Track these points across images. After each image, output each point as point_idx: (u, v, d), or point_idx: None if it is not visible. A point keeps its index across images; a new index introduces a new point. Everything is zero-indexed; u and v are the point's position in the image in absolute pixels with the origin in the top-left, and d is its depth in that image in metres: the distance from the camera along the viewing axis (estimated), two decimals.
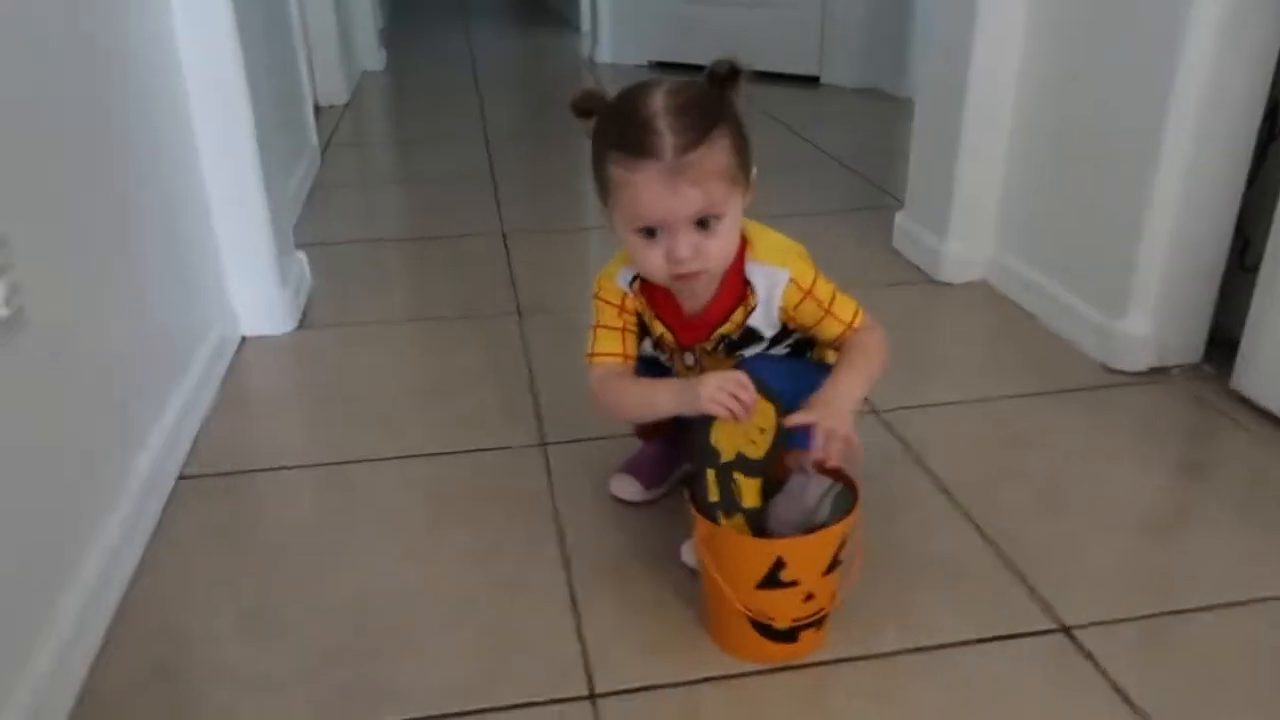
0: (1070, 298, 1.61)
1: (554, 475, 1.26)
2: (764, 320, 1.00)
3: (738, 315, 1.00)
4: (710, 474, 0.93)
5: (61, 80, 1.07)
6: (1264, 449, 1.31)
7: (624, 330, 1.04)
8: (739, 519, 0.94)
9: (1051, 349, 1.59)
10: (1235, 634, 0.99)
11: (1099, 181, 1.54)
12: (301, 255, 1.82)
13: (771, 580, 0.90)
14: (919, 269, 1.91)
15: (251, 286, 1.63)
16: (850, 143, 2.85)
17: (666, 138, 0.86)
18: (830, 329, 1.00)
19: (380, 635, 1.00)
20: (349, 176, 2.68)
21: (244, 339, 1.64)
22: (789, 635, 0.94)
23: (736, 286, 0.99)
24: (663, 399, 0.97)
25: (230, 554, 1.12)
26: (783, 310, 0.99)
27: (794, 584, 0.90)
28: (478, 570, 1.09)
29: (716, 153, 0.88)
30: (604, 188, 0.93)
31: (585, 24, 4.62)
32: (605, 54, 4.09)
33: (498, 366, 1.55)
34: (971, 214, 1.82)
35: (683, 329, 1.03)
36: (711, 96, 0.91)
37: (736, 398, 0.89)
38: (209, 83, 1.49)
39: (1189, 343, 1.51)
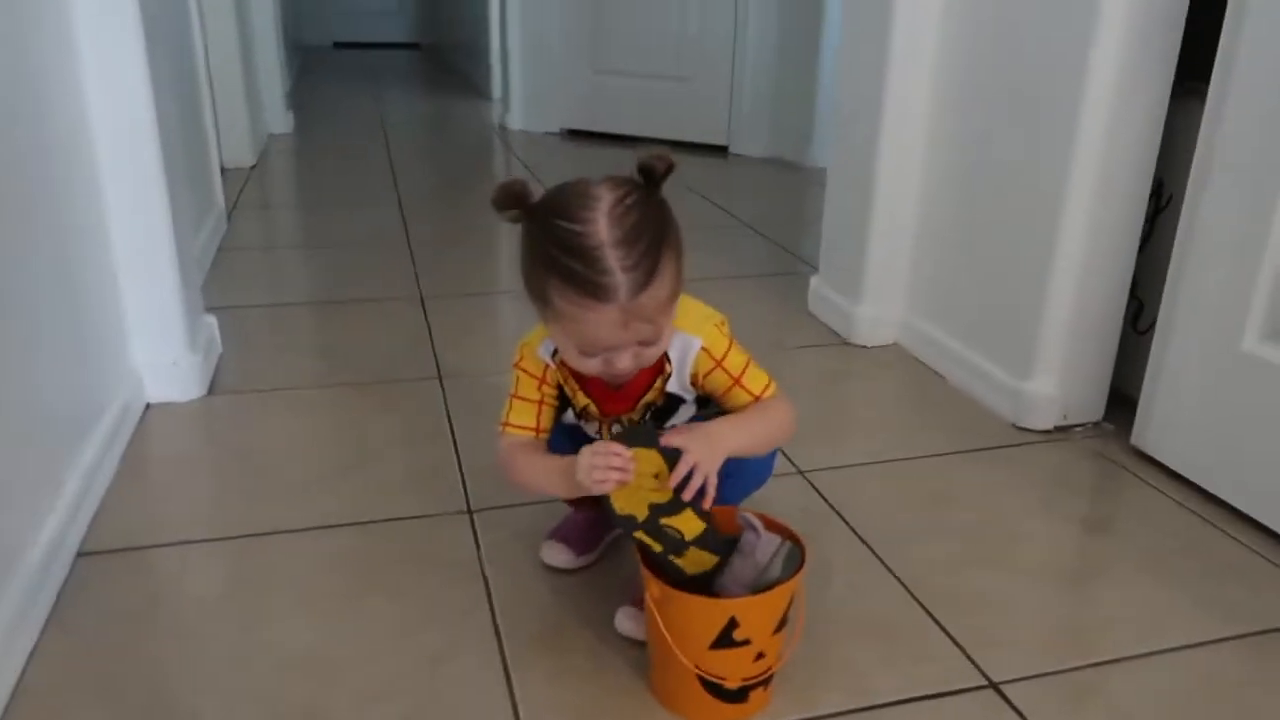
0: (979, 359, 1.68)
1: (482, 543, 1.23)
2: (679, 387, 1.00)
3: (659, 383, 1.00)
4: (639, 536, 0.93)
5: None
6: (1164, 503, 1.37)
7: (540, 403, 1.03)
8: (692, 551, 0.93)
9: (963, 409, 1.65)
10: (1150, 684, 1.02)
11: (1004, 249, 1.62)
12: (211, 319, 1.76)
13: (724, 640, 0.89)
14: (833, 332, 1.96)
15: (158, 351, 1.56)
16: (761, 210, 2.93)
17: (619, 278, 0.83)
18: (738, 399, 0.99)
19: (299, 716, 0.95)
20: (257, 239, 2.62)
21: (149, 406, 1.57)
22: (739, 695, 0.93)
23: (658, 362, 0.99)
24: (554, 483, 0.97)
25: (132, 637, 1.06)
26: (693, 376, 0.99)
27: (746, 643, 0.90)
28: (404, 643, 1.05)
29: (665, 280, 0.86)
30: (544, 305, 0.89)
31: (497, 91, 4.67)
32: (517, 121, 4.13)
33: (419, 432, 1.52)
34: (883, 278, 1.88)
35: (606, 400, 1.02)
36: (651, 207, 0.87)
37: (612, 465, 0.88)
38: (119, 140, 1.45)
39: (1091, 402, 1.58)
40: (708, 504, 0.91)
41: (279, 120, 3.94)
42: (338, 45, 7.33)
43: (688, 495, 0.90)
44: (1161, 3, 1.38)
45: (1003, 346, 1.63)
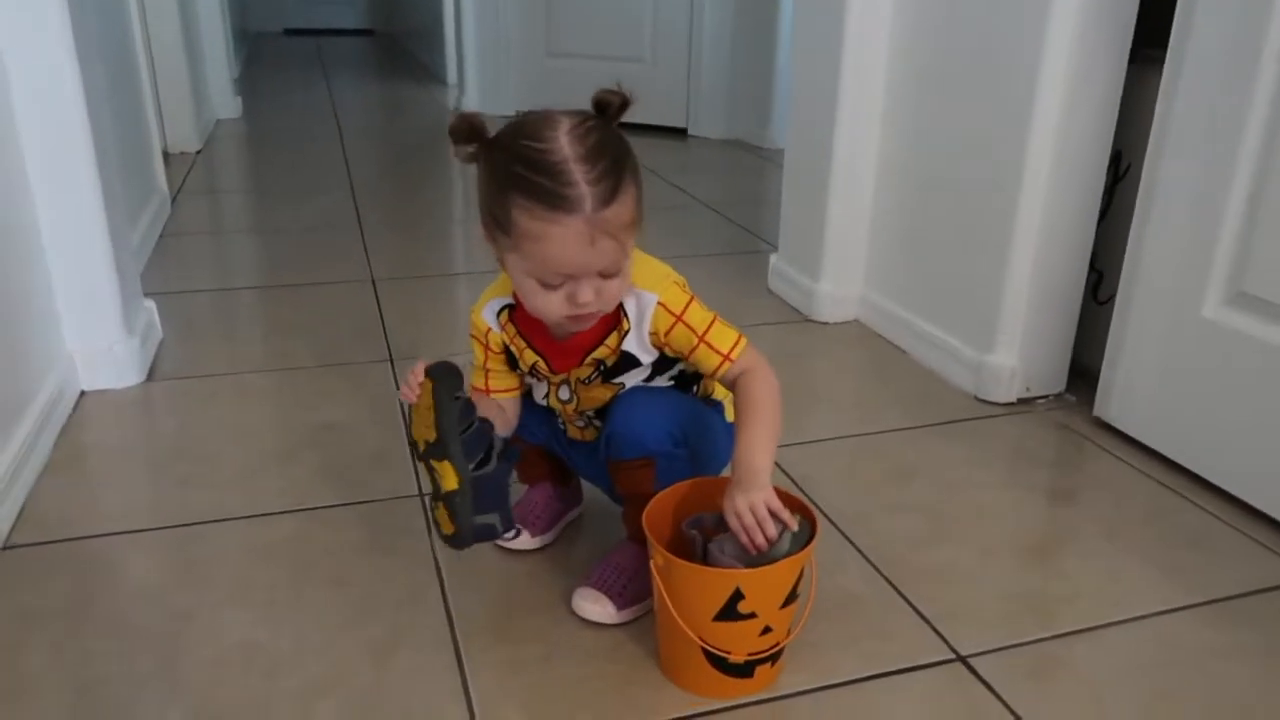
0: (940, 334, 1.66)
1: (433, 527, 1.19)
2: (638, 345, 0.96)
3: (611, 340, 0.96)
4: (422, 467, 0.93)
5: None
6: (1127, 472, 1.36)
7: (485, 367, 1.04)
8: (440, 507, 0.91)
9: (925, 383, 1.63)
10: (1115, 654, 1.00)
11: (962, 222, 1.60)
12: (150, 304, 1.69)
13: (729, 612, 0.86)
14: (794, 309, 1.93)
15: (92, 336, 1.50)
16: (720, 191, 2.89)
17: (584, 189, 0.82)
18: (707, 359, 0.95)
19: (237, 712, 0.90)
20: (202, 224, 2.54)
21: (83, 393, 1.50)
22: (745, 670, 0.90)
23: (612, 315, 0.96)
24: None
25: (60, 633, 1.00)
26: (653, 335, 0.95)
27: (752, 616, 0.87)
28: (349, 633, 1.00)
29: (628, 200, 0.86)
30: (505, 231, 0.86)
31: (452, 76, 4.59)
32: (473, 105, 4.06)
33: (369, 416, 1.47)
34: (842, 255, 1.85)
35: (555, 355, 0.99)
36: (612, 135, 0.87)
37: (407, 380, 0.92)
38: (44, 118, 1.38)
39: (1053, 374, 1.56)
40: (764, 544, 0.88)
41: (227, 105, 3.84)
42: (289, 32, 7.18)
43: (759, 540, 0.87)
44: None
45: (963, 320, 1.61)
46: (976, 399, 1.56)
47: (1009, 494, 1.31)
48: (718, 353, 0.95)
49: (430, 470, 0.92)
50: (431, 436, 0.90)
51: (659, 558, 0.88)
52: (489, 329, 1.02)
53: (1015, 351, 1.53)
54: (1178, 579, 1.12)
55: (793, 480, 1.31)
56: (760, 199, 2.79)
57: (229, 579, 1.09)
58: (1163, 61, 1.31)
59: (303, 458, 1.35)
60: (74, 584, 1.08)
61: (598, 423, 1.03)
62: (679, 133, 3.68)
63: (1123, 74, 1.43)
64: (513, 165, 0.84)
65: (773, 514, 0.88)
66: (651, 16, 3.61)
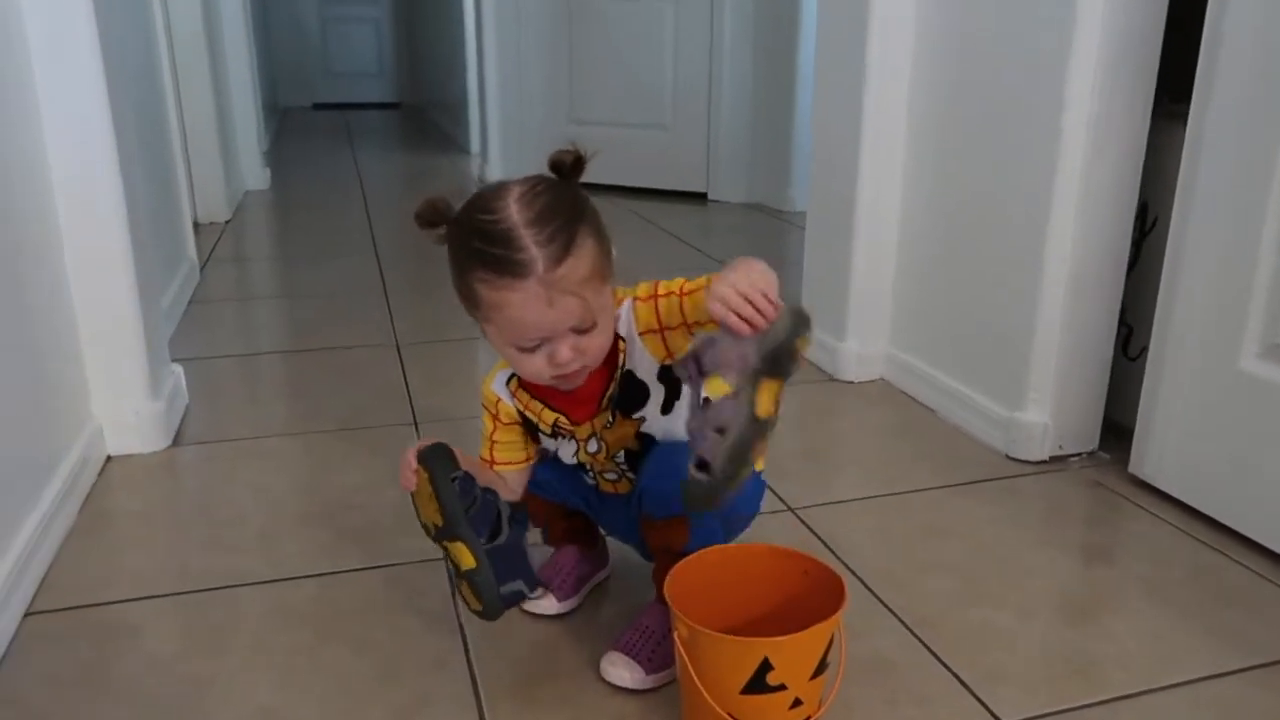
0: (968, 391, 1.64)
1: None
2: (635, 360, 0.95)
3: (617, 375, 0.96)
4: (438, 548, 0.95)
5: None
6: (1166, 530, 1.32)
7: (492, 438, 1.04)
8: (464, 585, 0.92)
9: (954, 441, 1.60)
10: None
11: (988, 278, 1.59)
12: (177, 368, 1.70)
13: (757, 684, 0.83)
14: (820, 369, 1.92)
15: (120, 401, 1.50)
16: (742, 254, 2.89)
17: (534, 252, 0.83)
18: (695, 297, 0.90)
19: None
20: (229, 291, 2.57)
21: (110, 458, 1.50)
22: None
23: (612, 351, 0.95)
24: None
25: (80, 702, 0.98)
26: (648, 335, 0.93)
27: (781, 688, 0.83)
28: (372, 698, 0.98)
29: (585, 256, 0.86)
30: (475, 305, 0.89)
31: (475, 145, 4.68)
32: (496, 173, 4.12)
33: (391, 479, 1.45)
34: (867, 314, 1.85)
35: (572, 406, 0.99)
36: (564, 192, 0.88)
37: (406, 468, 0.94)
38: (80, 187, 1.41)
39: (1085, 430, 1.54)
40: (761, 323, 0.78)
41: (256, 177, 3.92)
42: (318, 106, 7.37)
43: (752, 318, 0.78)
44: (1138, 27, 1.37)
45: (992, 377, 1.59)
46: (1008, 457, 1.53)
47: (1045, 553, 1.27)
48: (703, 283, 0.88)
49: (445, 551, 0.93)
50: (439, 521, 0.91)
51: (682, 628, 0.86)
52: (499, 399, 1.03)
53: (1046, 408, 1.51)
54: (1225, 640, 1.08)
55: (822, 541, 1.28)
56: (782, 261, 2.79)
57: (250, 643, 1.07)
58: (1186, 116, 1.32)
59: (326, 521, 1.34)
60: (95, 651, 1.06)
61: (630, 475, 1.02)
62: (699, 197, 3.72)
63: (1146, 128, 1.43)
64: (470, 240, 0.87)
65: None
66: (671, 83, 3.68)
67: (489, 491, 0.94)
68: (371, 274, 2.65)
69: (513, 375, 1.01)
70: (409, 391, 1.81)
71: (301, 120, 6.57)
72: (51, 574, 1.20)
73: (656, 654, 1.00)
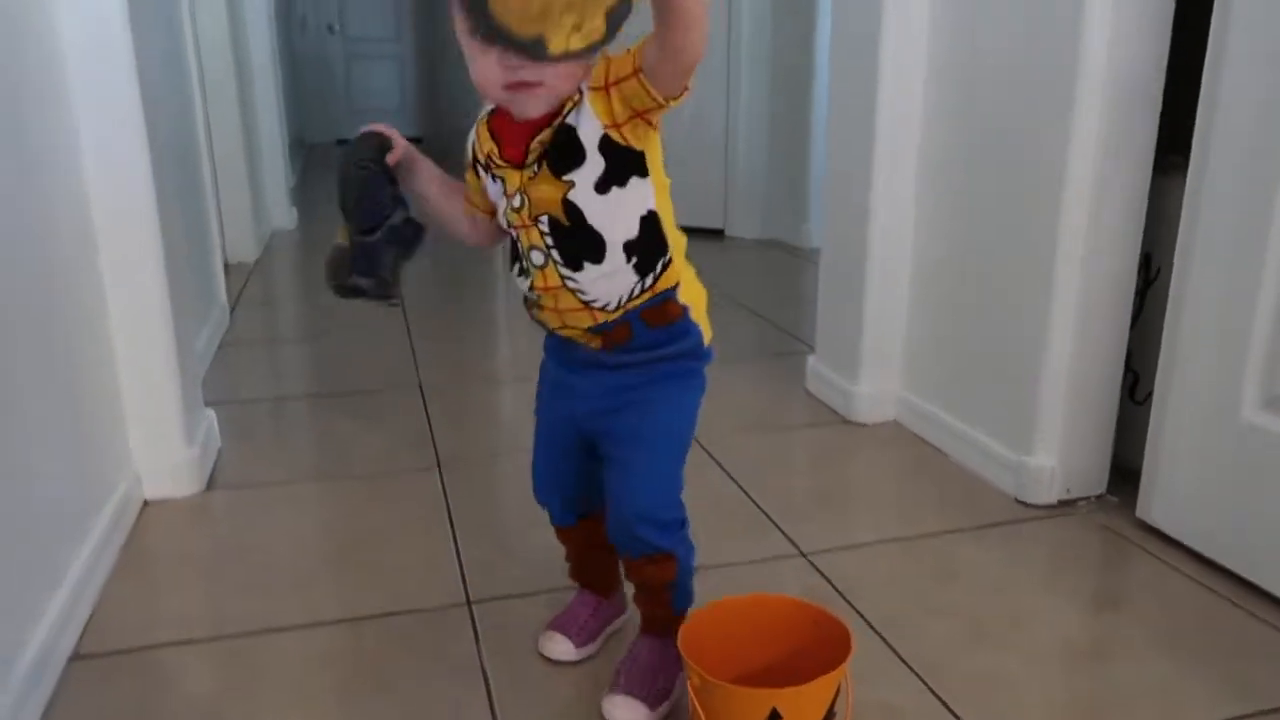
0: (978, 435, 1.67)
1: (481, 635, 1.21)
2: (580, 116, 0.88)
3: (559, 118, 0.90)
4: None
5: None
6: (1173, 577, 1.35)
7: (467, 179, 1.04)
8: (327, 257, 0.98)
9: (965, 484, 1.63)
10: None
11: (996, 324, 1.63)
12: (210, 413, 1.77)
13: None
14: (833, 410, 1.96)
15: (157, 447, 1.56)
16: (757, 291, 2.95)
17: None
18: (621, 64, 0.86)
19: None
20: (258, 333, 2.65)
21: (147, 503, 1.56)
22: None
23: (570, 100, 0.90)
24: None
25: None
26: (597, 90, 0.87)
27: None
28: None
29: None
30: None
31: None
32: None
33: (417, 523, 1.51)
34: (879, 357, 1.89)
35: (507, 138, 0.94)
36: None
37: None
38: (122, 236, 1.47)
39: (1093, 475, 1.57)
40: None
41: (283, 216, 4.01)
42: (341, 142, 7.51)
43: None
44: (1138, 81, 1.42)
45: (1001, 421, 1.62)
46: (1017, 501, 1.56)
47: (1053, 599, 1.30)
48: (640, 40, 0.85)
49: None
50: (339, 197, 0.97)
51: (695, 677, 0.90)
52: (471, 135, 1.00)
53: (1054, 453, 1.54)
54: (1233, 688, 1.11)
55: (833, 585, 1.32)
56: (798, 299, 2.84)
57: (284, 687, 1.12)
58: (1186, 168, 1.36)
59: (353, 566, 1.39)
60: (137, 695, 1.11)
61: (557, 259, 0.94)
62: (716, 234, 3.78)
63: (1147, 180, 1.47)
64: None
65: None
66: (688, 119, 3.74)
67: (396, 196, 0.97)
68: (396, 315, 2.72)
69: (489, 112, 0.97)
70: (432, 434, 1.86)
71: (326, 157, 6.70)
72: (95, 618, 1.25)
73: (655, 688, 1.04)
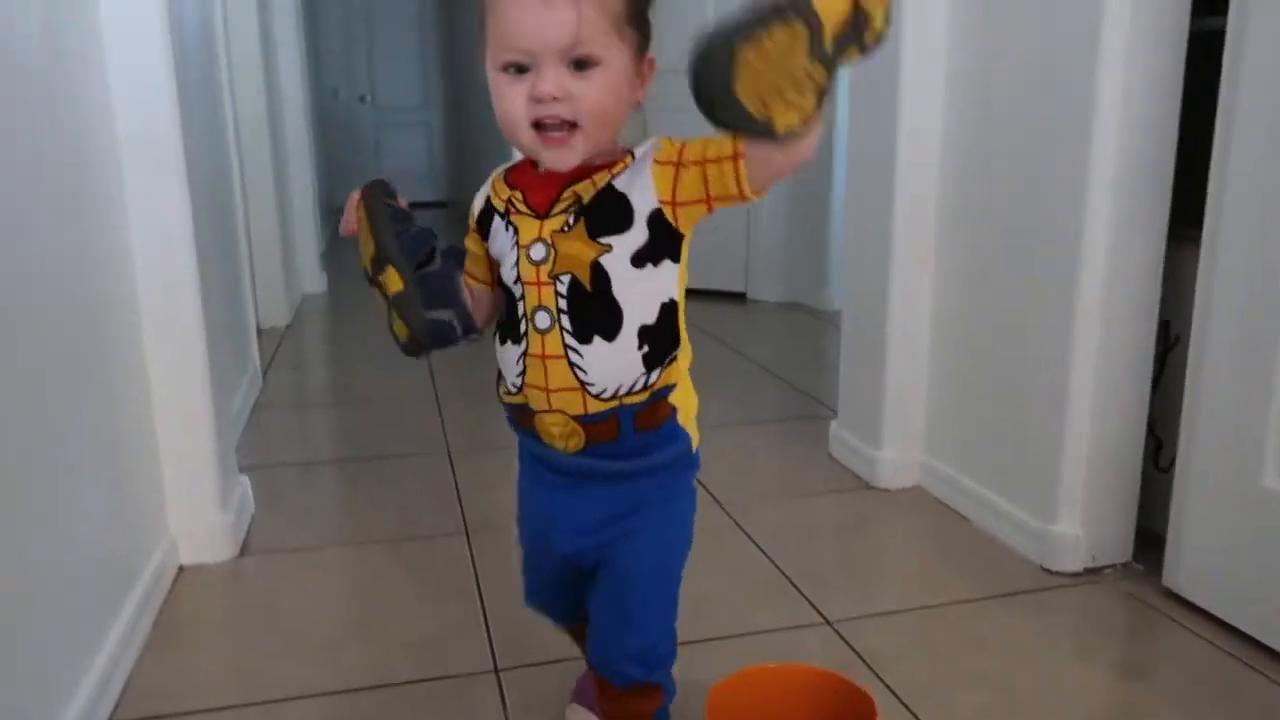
0: (1002, 502, 1.68)
1: (509, 704, 1.22)
2: (635, 184, 0.85)
3: (603, 175, 0.86)
4: (376, 293, 0.91)
5: (11, 299, 1.08)
6: (1200, 646, 1.34)
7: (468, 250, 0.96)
8: (393, 315, 0.88)
9: (990, 552, 1.64)
10: None
11: (1015, 391, 1.65)
12: (244, 479, 1.81)
13: None
14: (856, 476, 1.97)
15: (193, 513, 1.60)
16: (779, 355, 2.98)
17: None
18: (720, 146, 0.82)
19: None
20: (289, 398, 2.70)
21: (182, 568, 1.59)
22: None
23: (612, 159, 0.87)
24: None
25: None
26: (661, 166, 0.84)
27: None
28: None
29: (586, 3, 0.79)
30: (481, 24, 0.84)
31: None
32: None
33: (446, 589, 1.53)
34: (901, 422, 1.90)
35: (534, 187, 0.89)
36: None
37: (350, 210, 0.92)
38: (164, 304, 1.53)
39: (1119, 542, 1.57)
40: None
41: (313, 280, 4.10)
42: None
43: None
44: (1149, 155, 1.45)
45: (1024, 488, 1.63)
46: (1043, 569, 1.56)
47: (1080, 669, 1.30)
48: (726, 142, 0.82)
49: (381, 289, 0.89)
50: (373, 249, 0.89)
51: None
52: (477, 199, 0.95)
53: (1079, 520, 1.54)
54: None
55: (858, 654, 1.32)
56: (820, 362, 2.86)
57: None
58: (1200, 240, 1.38)
59: (382, 633, 1.41)
60: None
61: (567, 327, 0.87)
62: (738, 297, 3.82)
63: (1162, 249, 1.50)
64: None
65: None
66: None
67: (426, 228, 0.90)
68: (424, 380, 2.76)
69: (507, 169, 0.93)
70: (460, 499, 1.89)
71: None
72: (131, 684, 1.28)
73: None
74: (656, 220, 0.85)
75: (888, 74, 1.79)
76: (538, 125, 0.83)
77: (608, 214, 0.85)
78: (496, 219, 0.91)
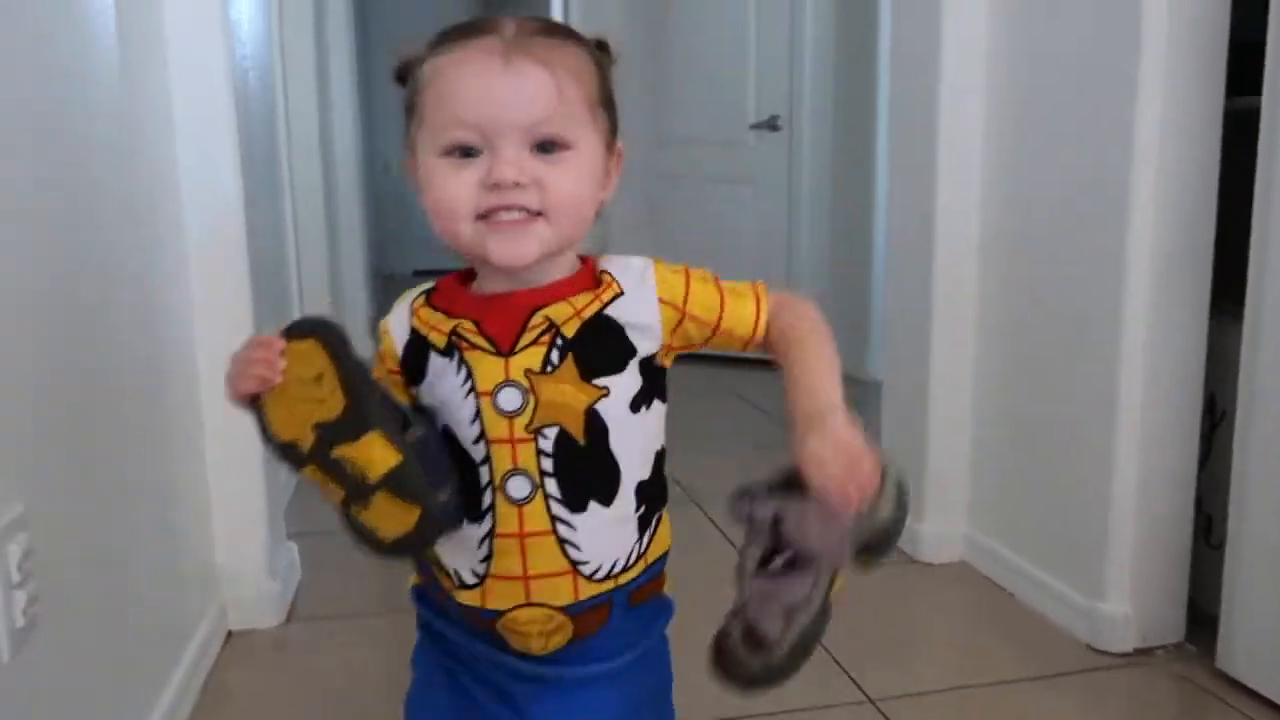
0: (1048, 578, 1.65)
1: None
2: (636, 312, 0.69)
3: (582, 299, 0.69)
4: (311, 474, 0.66)
5: (72, 359, 1.12)
6: None
7: None
8: (380, 499, 0.65)
9: (1036, 629, 1.61)
10: None
11: (1061, 463, 1.64)
12: (292, 545, 1.84)
13: None
14: (899, 549, 1.95)
15: (242, 579, 1.64)
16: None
17: (507, 21, 0.66)
18: (741, 313, 0.71)
19: None
20: None
21: (230, 634, 1.62)
22: None
23: (583, 277, 0.70)
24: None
25: None
26: (666, 304, 0.70)
27: None
28: None
29: (572, 54, 0.67)
30: (411, 106, 0.68)
31: None
32: None
33: None
34: (945, 495, 1.89)
35: (489, 313, 0.68)
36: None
37: (254, 358, 0.66)
38: (221, 379, 1.58)
39: (1170, 621, 1.54)
40: (861, 504, 0.61)
41: (363, 348, 4.15)
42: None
43: (855, 496, 0.60)
44: (1189, 234, 1.46)
45: (1071, 565, 1.61)
46: (1090, 648, 1.53)
47: None
48: (750, 298, 0.73)
49: (334, 468, 0.65)
50: (337, 410, 0.65)
51: None
52: (389, 329, 0.74)
53: (1127, 598, 1.52)
54: None
55: None
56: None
57: None
58: (1243, 315, 1.38)
59: None
60: None
61: (555, 497, 0.68)
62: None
63: (1204, 326, 1.49)
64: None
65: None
66: (752, 251, 3.85)
67: (383, 384, 0.69)
68: None
69: (422, 293, 0.74)
70: None
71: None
72: None
73: None
74: (647, 363, 0.70)
75: (925, 153, 1.82)
76: (486, 215, 0.65)
77: (602, 349, 0.68)
78: (435, 357, 0.70)
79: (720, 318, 0.71)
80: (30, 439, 0.96)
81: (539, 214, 0.66)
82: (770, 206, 3.81)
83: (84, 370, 1.12)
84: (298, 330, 0.66)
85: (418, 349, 0.71)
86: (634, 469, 0.70)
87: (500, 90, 0.64)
